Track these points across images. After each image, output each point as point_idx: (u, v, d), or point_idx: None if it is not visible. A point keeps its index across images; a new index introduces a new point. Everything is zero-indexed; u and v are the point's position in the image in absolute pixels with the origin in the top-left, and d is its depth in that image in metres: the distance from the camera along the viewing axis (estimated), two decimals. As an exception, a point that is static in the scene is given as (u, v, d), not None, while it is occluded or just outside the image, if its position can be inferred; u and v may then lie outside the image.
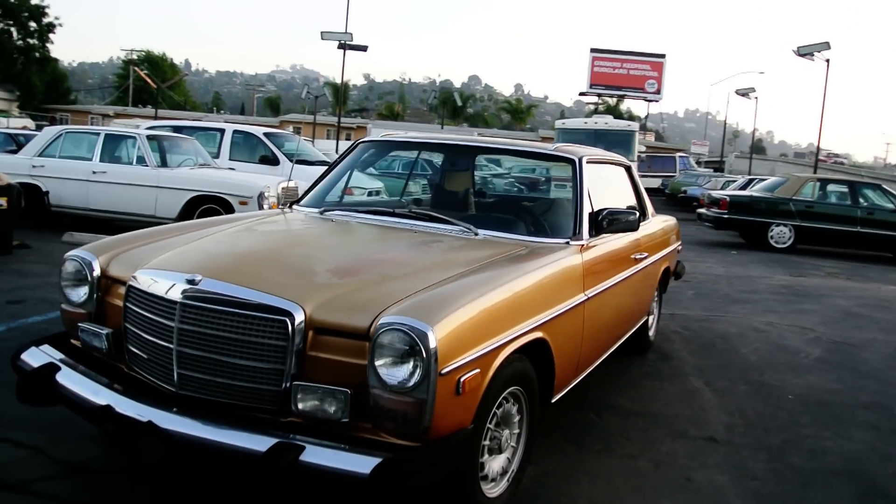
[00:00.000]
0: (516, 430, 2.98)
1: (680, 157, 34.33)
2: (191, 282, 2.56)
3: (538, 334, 2.90)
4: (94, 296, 2.97)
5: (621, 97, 55.35)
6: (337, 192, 4.23)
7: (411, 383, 2.25)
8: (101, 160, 10.07)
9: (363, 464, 2.16)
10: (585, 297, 3.41)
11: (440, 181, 4.56)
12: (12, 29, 49.73)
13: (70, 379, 2.71)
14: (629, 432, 3.93)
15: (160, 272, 2.71)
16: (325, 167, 4.51)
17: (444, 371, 2.26)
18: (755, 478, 3.48)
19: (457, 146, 4.24)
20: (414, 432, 2.29)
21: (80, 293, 3.00)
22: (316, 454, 2.22)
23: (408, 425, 2.28)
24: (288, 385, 2.39)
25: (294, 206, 4.10)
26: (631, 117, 53.80)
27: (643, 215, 5.08)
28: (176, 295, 2.56)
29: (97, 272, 2.98)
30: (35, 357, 2.90)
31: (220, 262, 2.82)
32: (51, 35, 51.71)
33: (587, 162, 3.94)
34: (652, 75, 51.93)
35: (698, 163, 39.28)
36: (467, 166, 4.37)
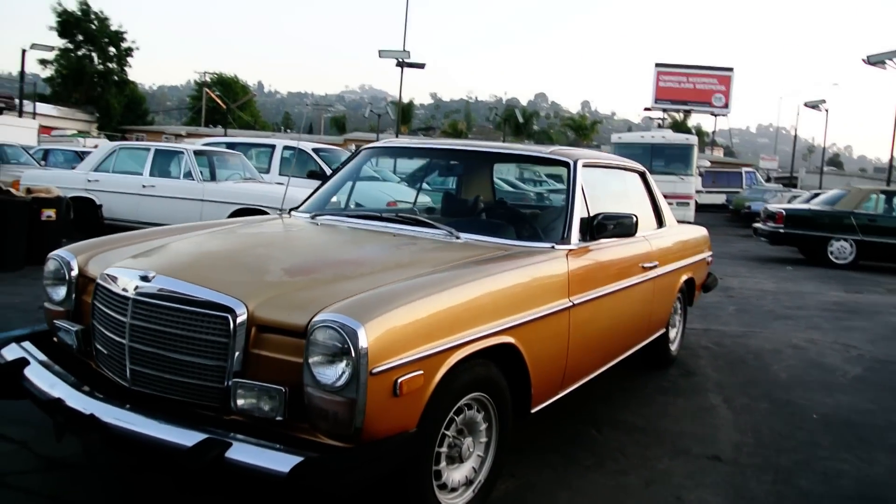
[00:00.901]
0: (483, 439, 2.87)
1: (746, 172, 33.24)
2: (144, 278, 2.58)
3: (506, 339, 2.80)
4: (73, 295, 3.02)
5: (688, 112, 54.23)
6: (332, 197, 4.22)
7: (341, 382, 2.19)
8: (151, 174, 10.42)
9: (284, 462, 2.11)
10: (571, 304, 3.28)
11: (455, 188, 4.52)
12: (93, 54, 52.18)
13: (35, 373, 2.76)
14: (627, 448, 3.76)
15: (121, 270, 2.74)
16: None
17: (375, 370, 2.20)
18: (753, 500, 3.27)
19: (449, 151, 4.18)
20: (345, 433, 2.23)
21: (60, 292, 3.07)
22: (242, 451, 2.19)
23: (339, 425, 2.22)
24: (230, 383, 2.37)
25: (292, 212, 4.11)
26: (699, 133, 52.58)
27: (659, 223, 4.91)
28: (130, 291, 2.58)
29: (75, 271, 3.04)
30: (12, 352, 2.96)
31: (178, 261, 2.83)
32: (129, 59, 54.11)
33: (584, 165, 3.82)
34: (719, 89, 50.74)
35: (768, 179, 38.05)
36: (462, 171, 4.31)
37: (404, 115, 43.98)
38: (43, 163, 16.52)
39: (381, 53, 28.17)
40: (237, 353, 2.37)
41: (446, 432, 2.63)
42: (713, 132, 59.60)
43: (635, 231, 3.68)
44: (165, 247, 3.08)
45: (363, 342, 2.17)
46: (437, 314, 2.50)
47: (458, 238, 3.37)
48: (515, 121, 65.08)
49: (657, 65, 52.77)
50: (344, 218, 3.79)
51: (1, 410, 3.60)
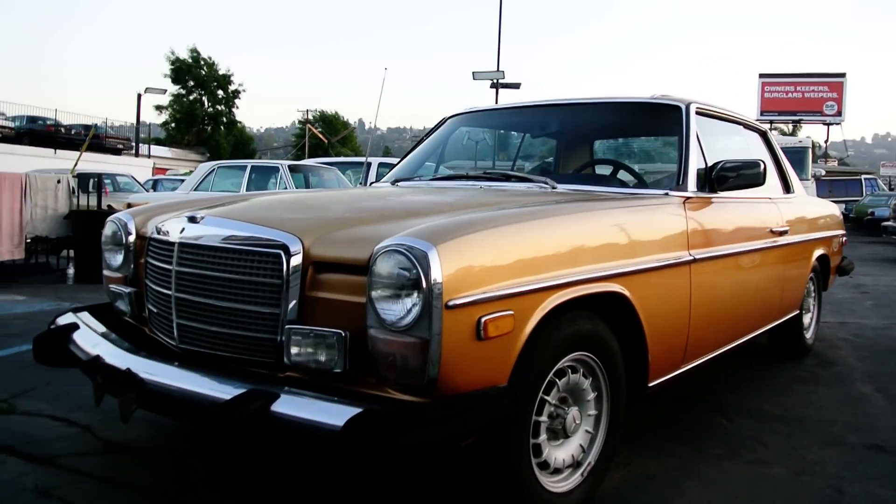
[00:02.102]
0: (591, 412, 2.38)
1: (866, 178, 31.02)
2: (192, 219, 2.26)
3: (615, 287, 2.31)
4: (130, 258, 2.76)
5: (797, 123, 51.47)
6: (418, 168, 3.84)
7: (410, 318, 1.77)
8: (248, 190, 10.45)
9: (339, 414, 1.70)
10: (691, 258, 2.76)
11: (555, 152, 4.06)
12: (203, 97, 54.89)
13: (81, 336, 2.49)
14: (765, 437, 3.16)
15: (172, 217, 2.44)
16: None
17: (452, 303, 1.76)
18: (935, 493, 2.62)
19: (543, 108, 3.72)
20: (418, 383, 1.79)
21: (118, 257, 2.81)
22: (290, 404, 1.80)
23: (409, 374, 1.79)
24: (284, 331, 2.00)
25: (372, 184, 3.77)
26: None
27: (787, 188, 4.29)
28: (175, 236, 2.27)
29: (133, 235, 2.77)
30: (66, 320, 2.73)
31: (233, 206, 2.51)
32: (236, 101, 56.59)
33: (698, 112, 3.29)
34: (831, 97, 47.83)
35: (890, 187, 35.41)
36: (557, 128, 3.84)
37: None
38: (152, 191, 17.17)
39: (475, 75, 27.96)
40: (292, 297, 2.00)
41: (546, 397, 2.16)
42: (825, 142, 56.28)
43: (763, 180, 3.12)
44: (227, 202, 2.78)
45: (436, 268, 1.75)
46: (529, 245, 2.05)
47: (553, 188, 2.92)
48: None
49: (761, 75, 50.40)
50: (427, 182, 3.41)
51: (72, 398, 3.45)
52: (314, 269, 2.02)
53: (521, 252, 2.01)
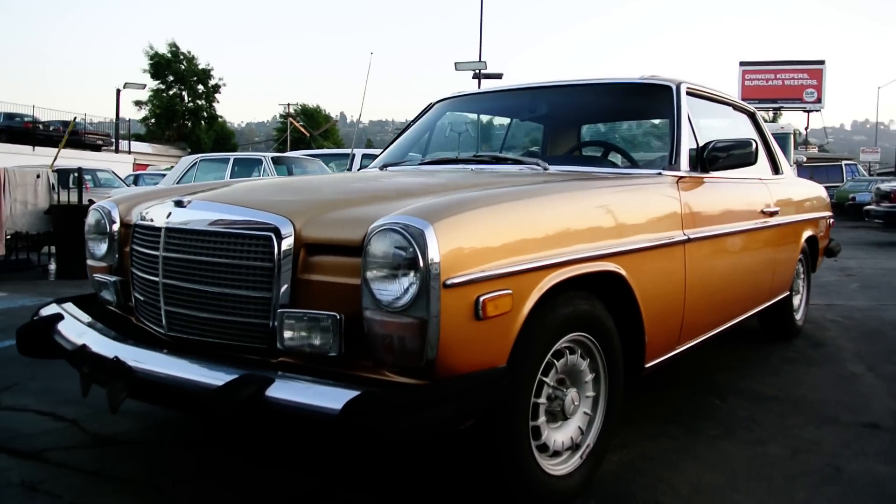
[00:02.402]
0: (590, 393, 2.35)
1: (847, 164, 31.21)
2: (178, 203, 2.20)
3: (612, 266, 2.28)
4: (115, 247, 2.69)
5: (777, 110, 51.77)
6: (406, 154, 3.78)
7: (407, 298, 1.72)
8: (230, 182, 10.32)
9: (336, 398, 1.66)
10: (686, 237, 2.74)
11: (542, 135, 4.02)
12: (183, 92, 54.34)
13: (66, 326, 2.42)
14: (760, 417, 3.15)
15: (157, 203, 2.38)
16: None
17: (450, 282, 1.72)
18: (933, 468, 2.62)
19: (532, 91, 3.67)
20: (416, 365, 1.75)
21: (102, 246, 2.74)
22: (285, 389, 1.75)
23: (407, 356, 1.75)
24: (276, 316, 1.94)
25: (359, 171, 3.71)
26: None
27: (776, 169, 4.28)
28: (162, 221, 2.21)
29: (117, 223, 2.70)
30: (50, 311, 2.66)
31: (220, 189, 2.45)
32: (216, 95, 56.06)
33: (688, 92, 3.27)
34: (810, 84, 48.16)
35: (870, 172, 35.69)
36: (546, 110, 3.80)
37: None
38: (133, 186, 16.96)
39: (458, 66, 27.82)
40: (283, 281, 1.95)
41: (544, 379, 2.13)
42: (806, 129, 56.68)
43: (755, 159, 3.10)
44: (213, 187, 2.72)
45: (433, 246, 1.70)
46: (525, 223, 2.01)
47: (545, 169, 2.88)
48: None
49: (741, 63, 50.61)
50: (416, 166, 3.36)
51: (58, 392, 3.38)
52: (306, 252, 1.97)
53: (519, 230, 1.97)
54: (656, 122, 3.56)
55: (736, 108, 4.10)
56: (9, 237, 8.01)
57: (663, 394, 3.44)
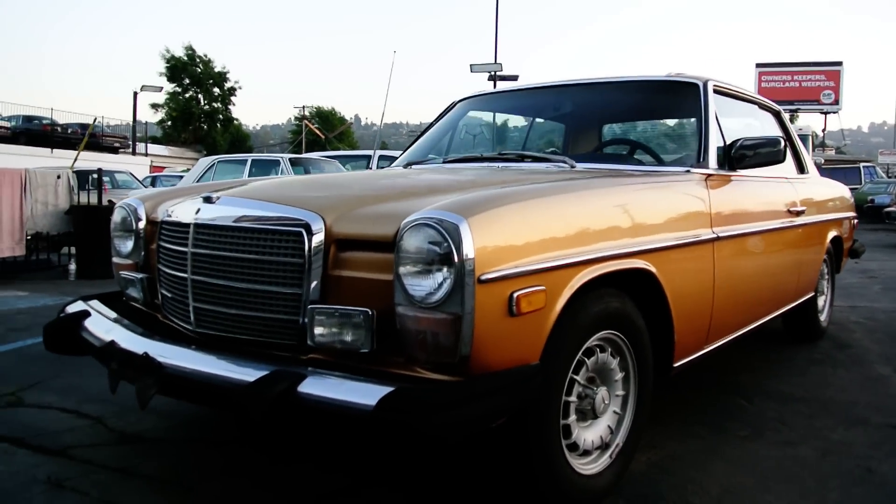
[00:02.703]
0: (619, 392, 2.33)
1: (865, 167, 30.89)
2: (207, 199, 2.20)
3: (642, 263, 2.26)
4: (141, 244, 2.69)
5: (794, 112, 51.39)
6: (430, 152, 3.77)
7: (441, 294, 1.70)
8: (248, 184, 10.36)
9: (370, 394, 1.64)
10: (714, 236, 2.71)
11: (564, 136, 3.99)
12: (199, 95, 54.67)
13: (93, 323, 2.43)
14: (789, 418, 3.11)
15: (185, 200, 2.38)
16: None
17: (484, 277, 1.70)
18: (967, 471, 2.57)
19: (556, 89, 3.64)
20: (449, 361, 1.73)
21: (128, 244, 2.74)
22: (318, 385, 1.74)
23: (440, 352, 1.73)
24: (306, 312, 1.93)
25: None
26: (806, 137, 49.23)
27: (801, 169, 4.23)
28: (191, 217, 2.20)
29: (143, 219, 2.71)
30: (76, 307, 2.66)
31: (248, 185, 2.44)
32: (232, 98, 56.35)
33: (714, 90, 3.23)
34: (828, 85, 47.77)
35: (888, 174, 35.32)
36: (570, 109, 3.77)
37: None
38: (151, 187, 17.07)
39: (473, 68, 27.79)
40: (314, 277, 1.93)
41: (575, 377, 2.10)
42: (823, 131, 56.22)
43: (784, 157, 3.06)
44: (240, 184, 2.71)
45: (468, 241, 1.69)
46: (558, 219, 1.99)
47: (573, 167, 2.86)
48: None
49: (758, 65, 50.27)
50: (441, 164, 3.34)
51: (82, 389, 3.39)
52: (336, 248, 1.96)
53: (551, 226, 1.95)
54: (681, 120, 3.52)
55: (761, 106, 4.06)
56: (29, 237, 8.06)
57: (689, 395, 3.41)
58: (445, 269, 1.70)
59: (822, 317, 4.70)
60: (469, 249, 1.68)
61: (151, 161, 35.17)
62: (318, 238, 1.95)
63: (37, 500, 2.27)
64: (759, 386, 3.59)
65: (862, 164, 32.34)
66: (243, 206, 2.12)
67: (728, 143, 3.06)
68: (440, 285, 1.71)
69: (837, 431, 2.96)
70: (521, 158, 3.09)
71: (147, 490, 2.36)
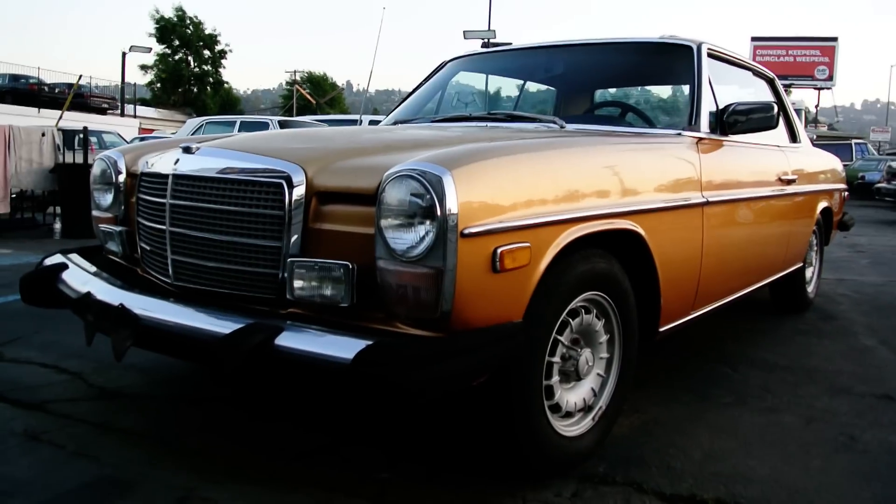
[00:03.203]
0: (604, 355, 2.31)
1: (856, 143, 30.89)
2: (187, 150, 2.14)
3: (630, 224, 2.22)
4: (121, 197, 2.63)
5: (788, 87, 51.14)
6: (419, 111, 3.69)
7: (423, 247, 1.66)
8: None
9: (348, 347, 1.61)
10: (704, 200, 2.67)
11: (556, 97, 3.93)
12: (189, 57, 53.90)
13: (71, 276, 2.38)
14: (773, 386, 3.11)
15: (164, 152, 2.32)
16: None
17: (468, 232, 1.66)
18: (948, 439, 2.57)
19: (550, 50, 3.57)
20: (430, 317, 1.70)
21: (108, 197, 2.68)
22: (294, 338, 1.70)
23: (421, 307, 1.69)
24: (286, 265, 1.89)
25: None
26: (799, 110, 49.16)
27: (793, 138, 4.19)
28: (169, 168, 2.15)
29: (123, 174, 2.64)
30: (55, 261, 2.61)
31: (229, 138, 2.38)
32: (223, 61, 55.58)
33: (709, 54, 3.17)
34: (822, 61, 47.48)
35: (878, 152, 35.31)
36: (562, 71, 3.70)
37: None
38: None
39: (466, 35, 27.49)
40: (294, 230, 1.89)
41: (559, 338, 2.08)
42: (816, 107, 56.13)
43: (776, 123, 3.02)
44: (224, 136, 2.65)
45: (451, 194, 1.64)
46: (545, 176, 1.94)
47: (562, 127, 2.81)
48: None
49: (753, 38, 49.95)
50: (429, 122, 3.28)
51: (62, 345, 3.35)
52: (318, 200, 1.91)
53: (538, 183, 1.90)
54: (674, 83, 3.47)
55: (756, 73, 4.01)
56: (14, 196, 7.96)
57: (674, 361, 3.40)
58: (428, 223, 1.66)
59: (810, 288, 4.70)
60: (452, 203, 1.64)
61: (140, 123, 34.78)
62: (299, 190, 1.90)
63: (12, 452, 2.24)
64: (745, 354, 3.59)
65: (854, 141, 32.32)
66: (223, 156, 2.07)
67: (721, 107, 3.02)
68: (422, 239, 1.66)
69: (822, 400, 2.96)
70: (511, 118, 3.03)
71: (124, 444, 2.33)
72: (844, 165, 18.00)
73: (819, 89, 50.68)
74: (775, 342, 3.87)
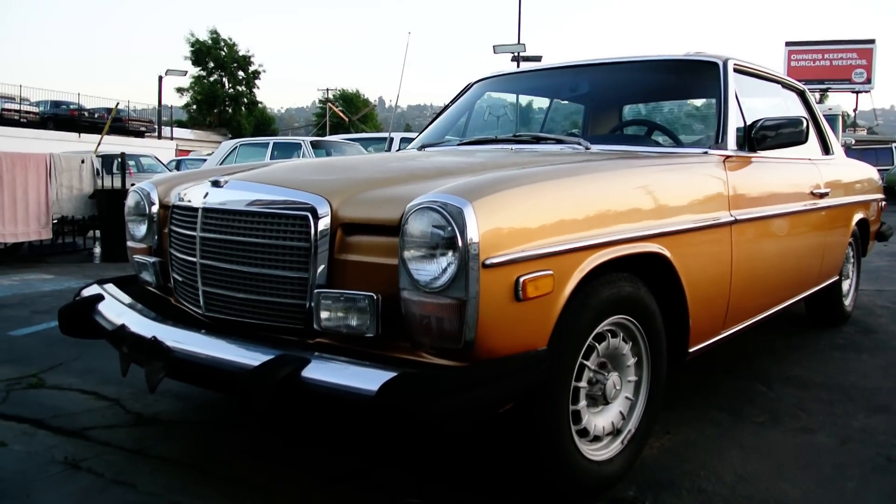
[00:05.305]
0: (632, 378, 2.30)
1: (898, 147, 30.25)
2: (215, 183, 2.20)
3: (655, 247, 2.22)
4: (154, 228, 2.70)
5: (825, 91, 50.33)
6: (445, 134, 3.72)
7: (445, 278, 1.69)
8: (270, 167, 10.39)
9: (373, 379, 1.63)
10: (732, 219, 2.65)
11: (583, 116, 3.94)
12: (224, 79, 54.93)
13: (106, 306, 2.45)
14: (808, 404, 3.06)
15: (195, 184, 2.38)
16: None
17: (489, 262, 1.68)
18: None
19: (575, 69, 3.58)
20: (454, 347, 1.72)
21: (142, 228, 2.76)
22: (321, 369, 1.73)
23: (445, 338, 1.71)
24: (313, 296, 1.93)
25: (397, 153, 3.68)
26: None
27: (826, 150, 4.14)
28: (199, 201, 2.20)
29: (156, 203, 2.72)
30: (91, 291, 2.69)
31: (256, 170, 2.44)
32: (256, 81, 56.52)
33: (735, 69, 3.16)
34: (860, 64, 46.70)
35: (922, 155, 34.45)
36: (588, 89, 3.71)
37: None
38: (175, 171, 17.23)
39: (496, 49, 27.57)
40: (320, 261, 1.93)
41: (585, 362, 2.08)
42: (854, 111, 55.05)
43: (806, 138, 2.99)
44: (251, 168, 2.71)
45: (472, 225, 1.66)
46: (567, 203, 1.95)
47: (588, 148, 2.81)
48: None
49: (787, 43, 49.36)
50: (455, 147, 3.31)
51: (101, 372, 3.43)
52: (343, 232, 1.95)
53: (560, 210, 1.92)
54: (700, 100, 3.45)
55: (785, 85, 3.97)
56: (55, 221, 8.18)
57: (707, 380, 3.37)
58: (450, 254, 1.68)
59: (847, 301, 4.62)
60: (474, 233, 1.66)
61: (177, 145, 35.51)
62: (325, 222, 1.94)
63: (53, 480, 2.31)
64: (780, 371, 3.54)
65: (894, 145, 31.64)
66: (250, 189, 2.12)
67: (748, 123, 3.00)
68: (444, 270, 1.69)
69: (858, 418, 2.90)
70: (536, 140, 3.05)
71: (160, 471, 2.38)
72: (885, 170, 17.62)
73: (857, 93, 49.72)
74: (811, 358, 3.80)
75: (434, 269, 1.70)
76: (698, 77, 3.23)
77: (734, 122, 2.95)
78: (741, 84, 3.20)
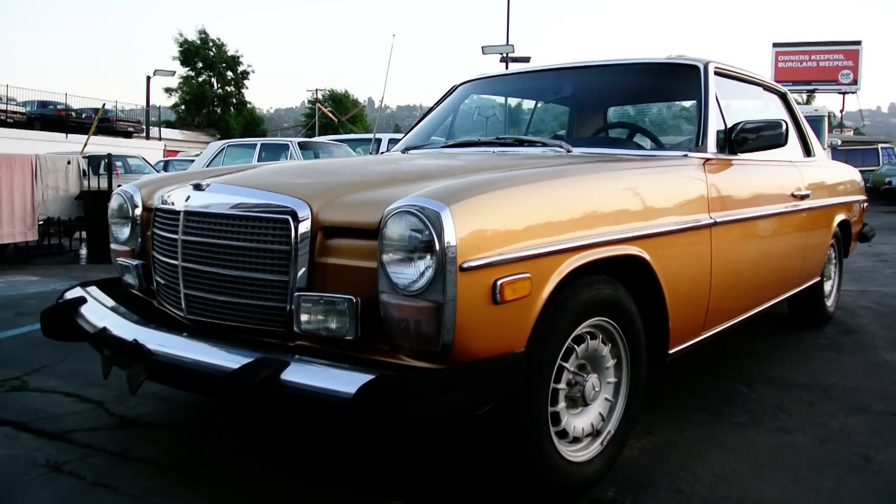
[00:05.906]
0: (611, 379, 2.32)
1: (883, 148, 30.47)
2: (197, 187, 2.20)
3: (634, 250, 2.24)
4: (137, 231, 2.70)
5: (811, 92, 50.65)
6: (429, 136, 3.74)
7: (423, 282, 1.70)
8: (257, 168, 10.38)
9: (351, 381, 1.65)
10: (712, 221, 2.68)
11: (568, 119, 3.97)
12: (212, 79, 54.72)
13: (89, 309, 2.45)
14: (787, 405, 3.09)
15: (177, 187, 2.38)
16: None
17: (467, 265, 1.70)
18: (967, 459, 2.54)
19: (557, 70, 3.61)
20: (432, 349, 1.73)
21: (125, 230, 2.76)
22: (300, 372, 1.75)
23: (423, 340, 1.73)
24: (293, 299, 1.94)
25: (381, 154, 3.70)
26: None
27: (807, 152, 4.18)
28: (181, 204, 2.21)
29: (139, 206, 2.72)
30: (74, 294, 2.69)
31: (238, 173, 2.45)
32: (245, 81, 56.34)
33: (716, 72, 3.19)
34: (846, 65, 47.00)
35: (906, 156, 34.75)
36: (571, 92, 3.74)
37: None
38: (163, 172, 17.17)
39: (485, 50, 27.58)
40: (301, 264, 1.94)
41: (564, 364, 2.10)
42: (841, 112, 55.45)
43: (786, 140, 3.02)
44: (233, 171, 2.72)
45: (449, 228, 1.68)
46: (545, 206, 1.97)
47: (569, 151, 2.84)
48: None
49: (775, 45, 49.57)
50: (438, 149, 3.33)
51: (85, 374, 3.43)
52: (323, 235, 1.96)
53: (538, 213, 1.93)
54: (681, 103, 3.49)
55: (766, 88, 4.00)
56: (41, 223, 8.14)
57: (688, 381, 3.40)
58: (427, 257, 1.69)
59: (829, 301, 4.66)
60: (451, 237, 1.68)
61: (165, 145, 35.33)
62: (305, 225, 1.95)
63: (35, 483, 2.31)
64: (761, 371, 3.57)
65: (880, 146, 31.89)
66: (231, 193, 2.13)
67: (729, 126, 3.03)
68: (422, 273, 1.70)
69: (837, 418, 2.94)
70: (519, 143, 3.07)
71: (143, 474, 2.38)
72: (871, 171, 17.80)
73: (843, 94, 50.05)
74: (793, 358, 3.84)
75: (412, 273, 1.72)
76: (679, 80, 3.26)
77: (714, 125, 2.98)
78: (723, 87, 3.23)
